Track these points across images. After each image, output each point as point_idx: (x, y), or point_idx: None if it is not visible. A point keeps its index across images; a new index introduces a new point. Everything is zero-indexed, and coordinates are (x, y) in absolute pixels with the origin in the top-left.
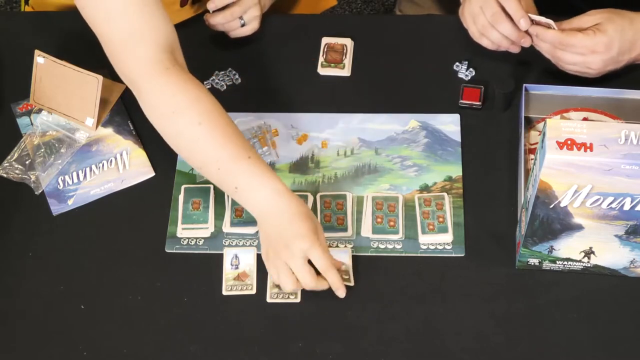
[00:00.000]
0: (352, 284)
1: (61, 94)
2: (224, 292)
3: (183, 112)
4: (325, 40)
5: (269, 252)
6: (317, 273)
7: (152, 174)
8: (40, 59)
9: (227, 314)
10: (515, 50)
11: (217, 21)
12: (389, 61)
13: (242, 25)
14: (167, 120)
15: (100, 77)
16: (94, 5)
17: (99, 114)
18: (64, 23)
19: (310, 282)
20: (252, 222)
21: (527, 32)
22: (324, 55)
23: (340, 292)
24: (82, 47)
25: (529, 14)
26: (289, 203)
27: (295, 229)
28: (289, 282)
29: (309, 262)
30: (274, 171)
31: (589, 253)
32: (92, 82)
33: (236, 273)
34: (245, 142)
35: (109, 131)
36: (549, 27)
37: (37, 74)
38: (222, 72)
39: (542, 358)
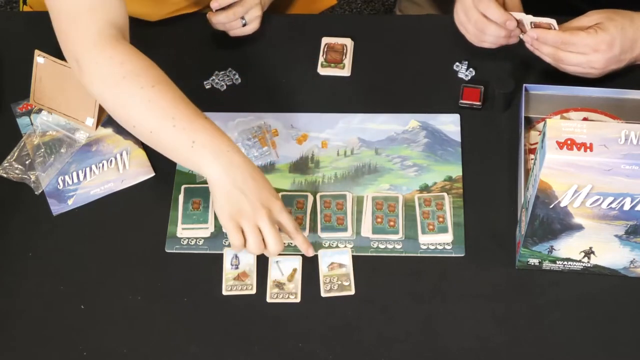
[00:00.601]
0: (352, 292)
1: (61, 94)
2: (224, 292)
3: (135, 75)
4: (325, 40)
5: (235, 211)
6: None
7: (152, 174)
8: (40, 59)
9: (227, 314)
10: (514, 40)
11: (220, 20)
12: (389, 61)
13: (244, 25)
14: (118, 85)
15: None
16: None
17: (99, 114)
18: None
19: (280, 247)
20: None
21: (522, 29)
22: (324, 55)
23: (310, 251)
24: None
25: (531, 18)
26: (251, 163)
27: (271, 191)
28: (256, 245)
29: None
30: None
31: (589, 253)
32: None
33: (236, 273)
34: (197, 108)
35: (109, 131)
36: (549, 27)
37: (37, 74)
38: (222, 72)
39: (542, 358)
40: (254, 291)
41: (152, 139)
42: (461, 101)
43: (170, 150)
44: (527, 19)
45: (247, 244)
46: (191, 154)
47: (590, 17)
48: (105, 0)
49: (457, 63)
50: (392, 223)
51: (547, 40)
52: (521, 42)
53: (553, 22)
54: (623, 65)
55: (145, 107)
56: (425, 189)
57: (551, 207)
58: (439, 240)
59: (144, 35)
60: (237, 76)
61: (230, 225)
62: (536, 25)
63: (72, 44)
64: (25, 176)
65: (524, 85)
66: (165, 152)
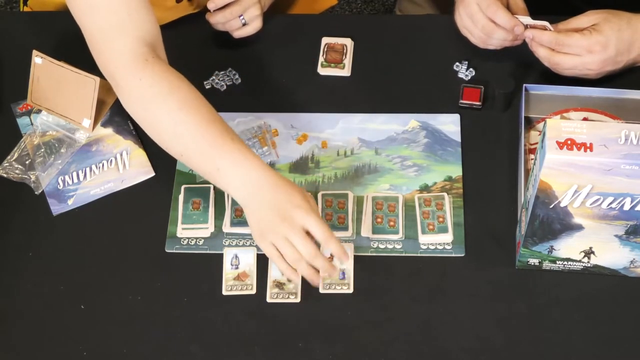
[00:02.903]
0: (352, 292)
1: (58, 95)
2: (224, 292)
3: (163, 99)
4: (325, 40)
5: (263, 230)
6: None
7: (152, 174)
8: (38, 59)
9: (227, 314)
10: (519, 43)
11: (217, 20)
12: (389, 61)
13: (244, 25)
14: (147, 108)
15: (98, 79)
16: None
17: (96, 115)
18: (63, 23)
19: (313, 251)
20: None
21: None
22: (324, 55)
23: (345, 258)
24: (80, 48)
25: (524, 19)
26: (277, 176)
27: (291, 200)
28: (291, 252)
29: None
30: (256, 154)
31: (589, 253)
32: (89, 84)
33: (236, 273)
34: (227, 127)
35: (109, 131)
36: (544, 29)
37: (34, 74)
38: (222, 72)
39: (542, 358)
40: (254, 291)
41: (184, 160)
42: (461, 101)
43: (201, 173)
44: (524, 20)
45: (285, 256)
46: (218, 179)
47: (589, 17)
48: (134, 17)
49: (457, 63)
50: (392, 223)
51: (542, 40)
52: (521, 42)
53: (547, 24)
54: (620, 67)
55: (173, 132)
56: (425, 189)
57: (551, 207)
58: (439, 240)
59: None
60: (237, 76)
61: (262, 243)
62: (530, 27)
63: (106, 62)
64: (25, 176)
65: (524, 85)
66: (200, 174)
